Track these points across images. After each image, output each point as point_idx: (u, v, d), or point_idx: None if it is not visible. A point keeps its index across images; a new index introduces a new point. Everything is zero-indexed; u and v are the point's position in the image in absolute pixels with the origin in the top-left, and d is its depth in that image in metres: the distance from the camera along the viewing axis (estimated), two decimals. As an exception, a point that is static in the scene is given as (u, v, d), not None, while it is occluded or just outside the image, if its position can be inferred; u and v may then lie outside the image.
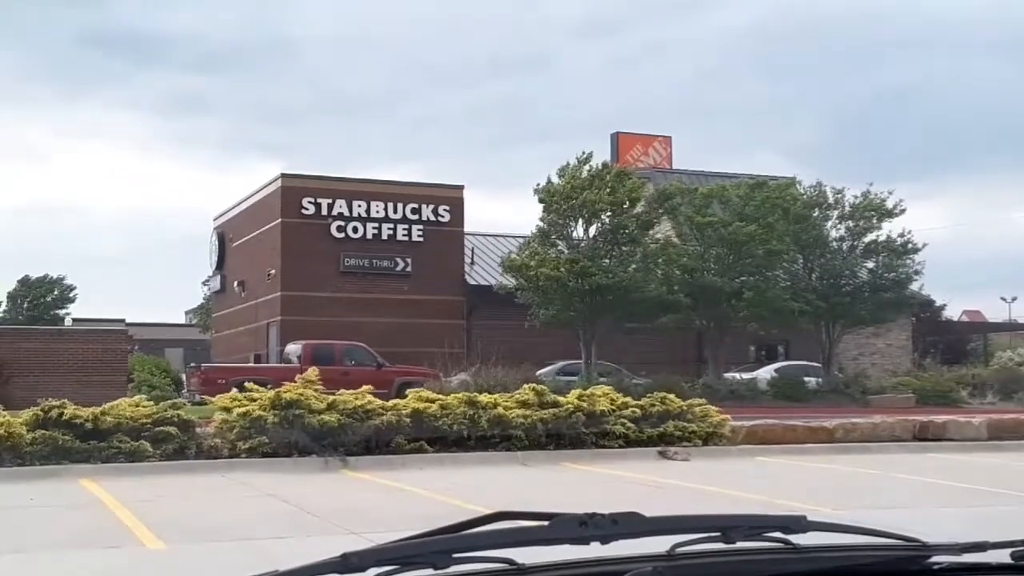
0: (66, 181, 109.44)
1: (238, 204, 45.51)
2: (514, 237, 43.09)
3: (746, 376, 35.42)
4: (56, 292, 73.53)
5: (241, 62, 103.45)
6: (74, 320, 67.05)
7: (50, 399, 14.42)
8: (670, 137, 54.06)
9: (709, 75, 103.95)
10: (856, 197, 36.51)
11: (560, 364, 34.49)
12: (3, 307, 68.35)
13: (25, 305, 71.89)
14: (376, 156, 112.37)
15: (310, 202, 39.88)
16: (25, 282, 72.55)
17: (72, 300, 73.93)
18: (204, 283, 56.40)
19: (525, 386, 17.47)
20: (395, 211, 40.84)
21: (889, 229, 36.43)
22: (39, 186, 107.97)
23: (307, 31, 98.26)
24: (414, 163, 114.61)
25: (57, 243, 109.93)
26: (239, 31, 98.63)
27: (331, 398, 15.43)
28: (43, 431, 13.73)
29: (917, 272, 36.90)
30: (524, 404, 16.46)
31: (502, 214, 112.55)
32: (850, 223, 36.58)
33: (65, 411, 14.00)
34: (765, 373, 36.34)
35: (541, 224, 35.19)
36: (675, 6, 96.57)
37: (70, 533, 9.42)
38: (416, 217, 41.14)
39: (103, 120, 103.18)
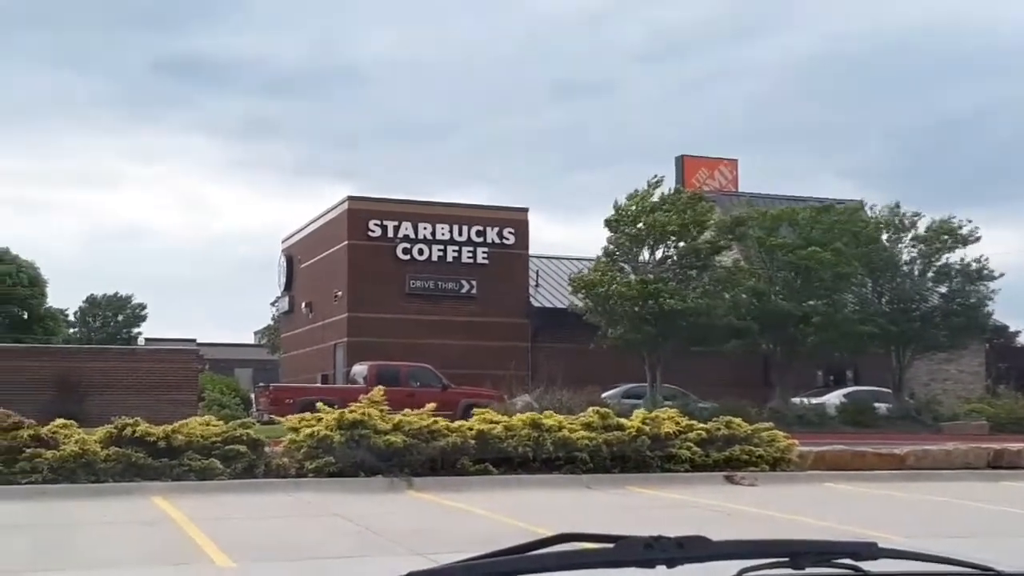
0: (138, 204, 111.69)
1: (306, 226, 46.07)
2: (578, 260, 43.04)
3: (814, 401, 34.92)
4: (127, 311, 74.92)
5: (311, 87, 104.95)
6: (146, 340, 68.31)
7: (123, 417, 14.69)
8: (736, 160, 53.70)
9: (773, 98, 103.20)
10: (931, 220, 35.97)
11: (624, 387, 34.31)
12: (75, 329, 69.76)
13: (97, 324, 73.35)
14: (441, 180, 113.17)
15: (376, 224, 40.23)
16: (92, 301, 73.99)
17: (143, 319, 75.35)
18: (273, 304, 57.13)
19: (589, 408, 17.44)
20: (460, 233, 41.04)
21: (963, 254, 35.82)
22: (111, 209, 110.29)
23: (375, 56, 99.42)
24: (479, 187, 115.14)
25: (129, 265, 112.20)
26: (309, 56, 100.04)
27: (396, 418, 15.52)
28: (117, 448, 13.99)
29: (990, 298, 36.18)
30: (588, 426, 16.41)
31: (565, 238, 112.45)
32: (922, 247, 35.98)
33: (138, 429, 14.25)
34: (834, 398, 35.80)
35: (608, 246, 35.15)
36: (739, 30, 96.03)
37: (142, 550, 9.59)
38: (481, 239, 41.29)
39: (174, 144, 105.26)
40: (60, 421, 14.78)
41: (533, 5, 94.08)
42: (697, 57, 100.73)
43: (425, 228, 40.64)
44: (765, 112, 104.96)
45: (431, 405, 16.55)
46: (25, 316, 50.90)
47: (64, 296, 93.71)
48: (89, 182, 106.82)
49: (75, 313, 72.14)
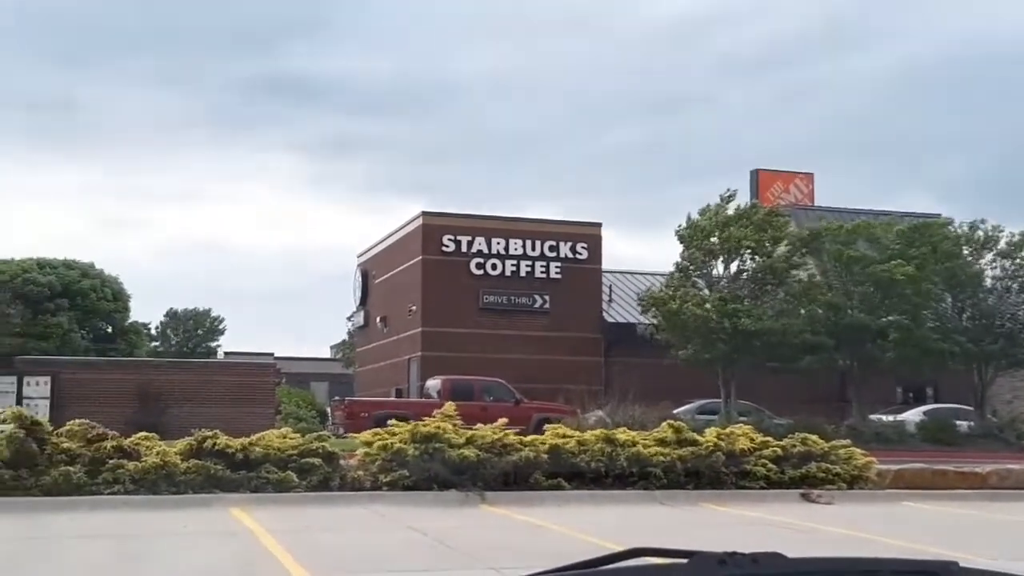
0: (222, 220, 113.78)
1: (381, 242, 46.51)
2: (651, 275, 42.86)
3: (893, 418, 34.26)
4: (206, 325, 76.29)
5: (395, 104, 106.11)
6: (226, 353, 69.47)
7: (203, 429, 14.97)
8: (812, 174, 53.09)
9: (853, 113, 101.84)
10: (1010, 235, 35.11)
11: (698, 403, 34.02)
12: (156, 343, 71.20)
13: (178, 337, 74.78)
14: (522, 195, 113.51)
15: (450, 239, 40.48)
16: (173, 315, 75.47)
17: (221, 333, 76.62)
18: (348, 319, 57.76)
19: (663, 424, 17.33)
20: (533, 248, 41.10)
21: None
22: (196, 225, 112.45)
23: (461, 74, 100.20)
24: (557, 201, 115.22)
25: (210, 280, 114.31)
26: (395, 75, 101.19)
27: (469, 432, 15.58)
28: (196, 460, 14.25)
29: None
30: (662, 442, 16.33)
31: (642, 253, 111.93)
32: (1006, 263, 35.11)
33: (217, 441, 14.51)
34: (913, 415, 35.07)
35: (681, 261, 34.94)
36: (822, 45, 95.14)
37: (221, 562, 9.75)
38: (554, 254, 41.30)
39: (260, 161, 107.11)
40: (142, 433, 15.11)
41: (618, 21, 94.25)
42: (780, 71, 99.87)
43: (498, 243, 40.77)
44: (844, 126, 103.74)
45: (504, 419, 16.59)
46: (109, 330, 52.08)
47: (147, 310, 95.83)
48: (176, 198, 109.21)
49: (157, 327, 73.63)
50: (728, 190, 34.82)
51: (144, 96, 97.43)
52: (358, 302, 48.99)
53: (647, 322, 35.67)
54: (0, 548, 10.33)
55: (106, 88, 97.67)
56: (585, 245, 41.74)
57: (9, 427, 14.31)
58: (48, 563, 9.54)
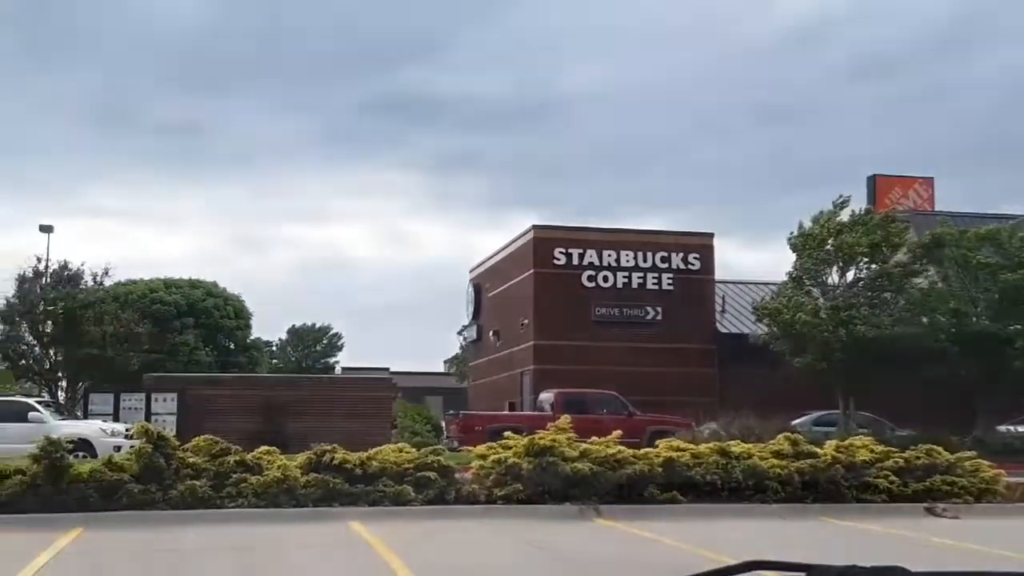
0: (341, 239, 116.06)
1: (493, 256, 46.84)
2: (765, 284, 42.22)
3: (1022, 429, 33.02)
4: (325, 341, 77.84)
5: (511, 120, 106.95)
6: (343, 369, 70.73)
7: (322, 444, 15.28)
8: (931, 178, 51.68)
9: (976, 116, 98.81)
10: None
11: (816, 414, 33.34)
12: (276, 360, 72.89)
13: (295, 355, 76.45)
14: (635, 208, 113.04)
15: (561, 252, 40.54)
16: (293, 332, 77.21)
17: (339, 349, 78.10)
18: (460, 333, 58.25)
19: (780, 436, 17.06)
20: (645, 260, 40.90)
21: None
22: (316, 244, 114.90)
23: (576, 89, 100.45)
24: (670, 213, 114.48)
25: (329, 297, 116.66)
26: (510, 92, 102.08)
27: (583, 446, 15.57)
28: (316, 474, 14.56)
29: None
30: (779, 454, 16.08)
31: (757, 263, 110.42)
32: None
33: (336, 456, 14.80)
34: (1044, 426, 33.74)
35: (793, 271, 34.34)
36: (942, 49, 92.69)
37: (341, 574, 9.94)
38: (666, 265, 41.03)
39: (379, 180, 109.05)
40: (264, 448, 15.48)
41: (734, 30, 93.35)
42: (898, 76, 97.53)
43: (610, 255, 40.68)
44: (965, 130, 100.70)
45: (617, 432, 16.54)
46: (231, 347, 53.52)
47: (268, 327, 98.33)
48: (298, 218, 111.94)
49: (277, 343, 75.39)
50: (840, 196, 34.15)
51: (268, 119, 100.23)
52: (471, 316, 49.39)
53: (761, 331, 35.12)
54: (130, 561, 10.70)
55: (232, 112, 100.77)
56: (697, 256, 41.36)
57: (138, 442, 14.84)
58: (180, 574, 9.84)
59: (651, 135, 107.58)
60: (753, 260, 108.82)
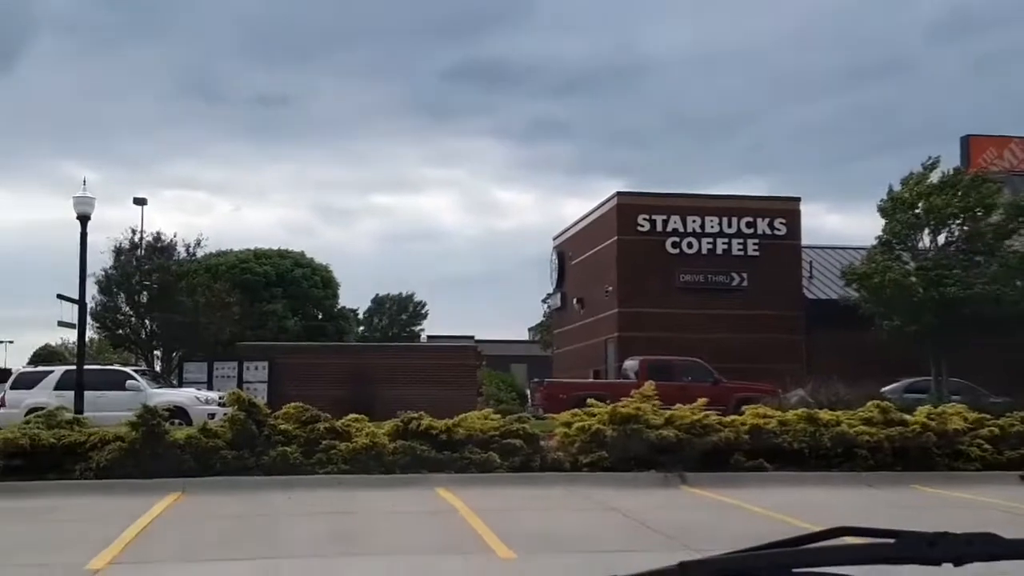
0: (427, 207, 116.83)
1: (577, 223, 46.74)
2: (854, 249, 41.46)
3: (1124, 395, 32.01)
4: (410, 310, 78.59)
5: (597, 86, 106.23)
6: (428, 337, 71.40)
7: (408, 411, 15.51)
8: (1029, 137, 50.02)
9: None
10: None
11: (907, 381, 32.72)
12: (363, 328, 73.82)
13: (383, 322, 77.35)
14: (722, 172, 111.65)
15: (645, 219, 40.29)
16: (379, 300, 78.08)
17: (424, 317, 78.77)
18: (544, 301, 58.35)
19: (869, 403, 16.84)
20: (730, 225, 40.45)
21: None
22: (403, 213, 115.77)
23: (662, 52, 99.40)
24: (756, 178, 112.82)
25: (415, 266, 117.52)
26: (596, 56, 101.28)
27: (668, 413, 15.56)
28: (403, 441, 14.79)
29: None
30: (868, 422, 15.88)
31: (847, 227, 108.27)
32: None
33: (422, 423, 15.01)
34: None
35: (883, 235, 33.67)
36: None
37: (429, 539, 10.12)
38: (751, 231, 40.53)
39: (466, 148, 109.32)
40: (352, 415, 15.77)
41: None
42: (994, 32, 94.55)
43: (694, 221, 40.32)
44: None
45: (703, 400, 16.48)
46: (319, 316, 54.35)
47: (355, 296, 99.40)
48: (384, 187, 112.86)
49: (364, 312, 76.35)
50: (930, 158, 33.32)
51: (354, 88, 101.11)
52: (555, 284, 49.41)
53: (850, 295, 34.53)
54: (228, 524, 11.02)
55: (318, 82, 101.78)
56: (784, 220, 40.78)
57: (231, 410, 15.23)
58: (273, 539, 10.12)
59: (738, 98, 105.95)
60: (842, 224, 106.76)
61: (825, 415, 16.04)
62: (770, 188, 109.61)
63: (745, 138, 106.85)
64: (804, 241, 41.86)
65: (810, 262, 42.39)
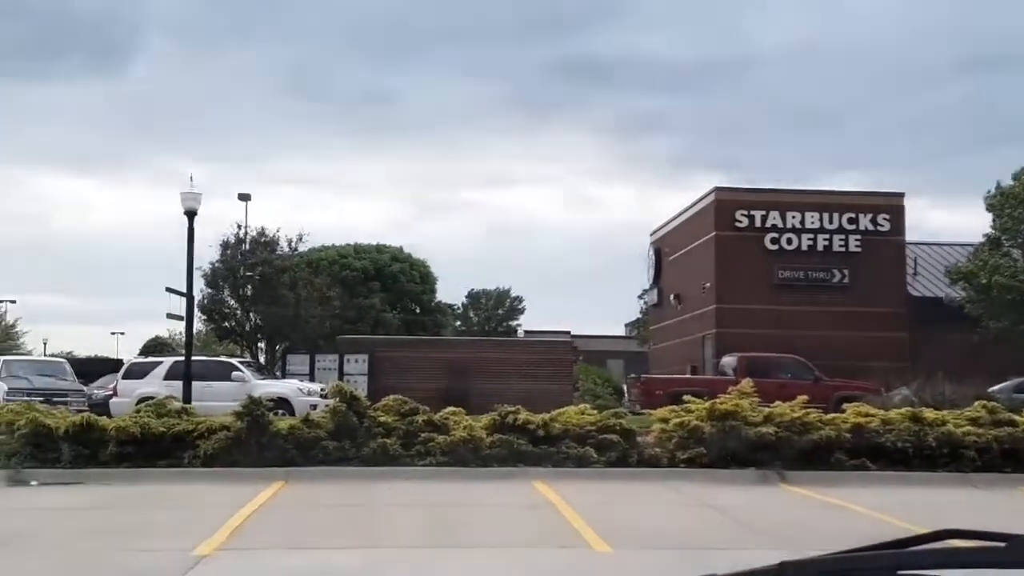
0: (524, 203, 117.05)
1: (674, 219, 46.43)
2: (961, 245, 40.40)
3: None
4: (507, 305, 78.98)
5: (697, 80, 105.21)
6: (525, 332, 71.64)
7: (505, 405, 15.61)
8: None
9: None
10: None
11: (1016, 381, 31.68)
12: (459, 322, 74.41)
13: (479, 316, 77.87)
14: (821, 167, 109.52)
15: (743, 215, 39.84)
16: (474, 295, 78.61)
17: (521, 312, 79.09)
18: (640, 297, 58.09)
19: (976, 403, 16.43)
20: (831, 221, 39.74)
21: None
22: (500, 209, 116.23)
23: (762, 47, 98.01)
24: (859, 172, 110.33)
25: (512, 260, 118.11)
26: (695, 52, 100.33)
27: (767, 410, 15.40)
28: (500, 435, 14.90)
29: None
30: (975, 422, 15.50)
31: (955, 223, 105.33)
32: None
33: (519, 417, 15.10)
34: None
35: (991, 231, 32.73)
36: None
37: (526, 532, 10.19)
38: (853, 227, 39.76)
39: (563, 143, 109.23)
40: (450, 408, 15.94)
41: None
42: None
43: (794, 217, 39.73)
44: None
45: (802, 397, 16.25)
46: (417, 310, 54.96)
47: (452, 291, 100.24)
48: (482, 183, 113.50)
49: (460, 307, 76.95)
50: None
51: (451, 85, 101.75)
52: (651, 280, 49.18)
53: (957, 295, 33.65)
54: (329, 513, 11.26)
55: (416, 78, 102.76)
56: (887, 216, 39.91)
57: (332, 401, 15.53)
58: (373, 529, 10.31)
59: (840, 92, 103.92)
60: (946, 220, 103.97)
61: (930, 414, 15.70)
62: (872, 183, 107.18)
63: (847, 133, 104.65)
64: (908, 237, 40.93)
65: (915, 258, 41.44)
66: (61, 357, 39.70)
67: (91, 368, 33.73)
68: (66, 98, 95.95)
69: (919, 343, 36.60)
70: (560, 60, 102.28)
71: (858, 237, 39.68)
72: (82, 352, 58.00)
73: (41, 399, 20.42)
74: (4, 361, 29.84)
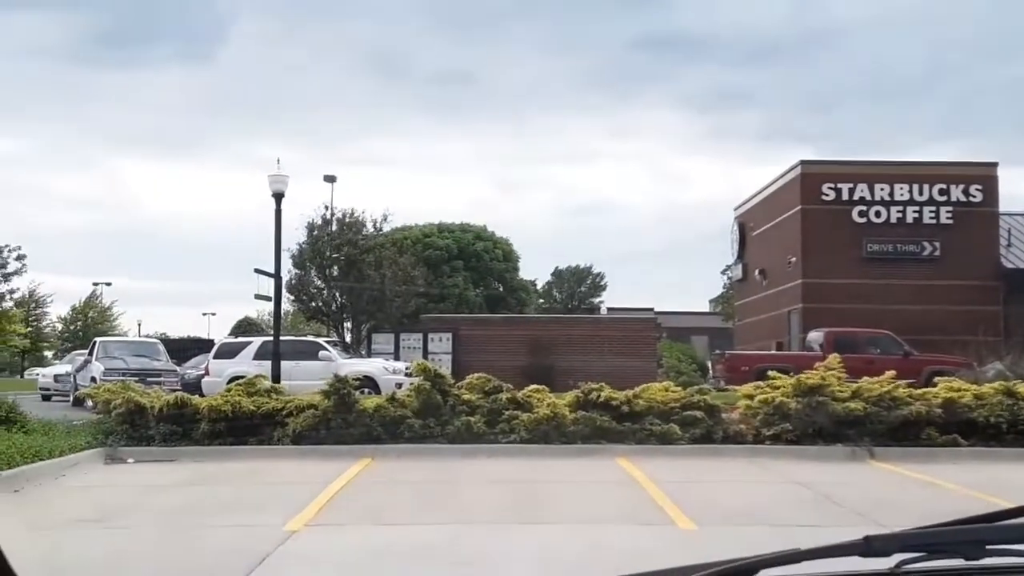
0: (608, 179, 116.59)
1: (758, 193, 45.83)
2: (1058, 216, 39.20)
3: None
4: (589, 282, 78.83)
5: (782, 54, 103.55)
6: (608, 309, 71.48)
7: (589, 382, 15.62)
8: None
9: None
10: None
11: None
12: (542, 300, 74.51)
13: (562, 294, 77.86)
14: (916, 138, 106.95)
15: (830, 188, 39.14)
16: (558, 273, 78.60)
17: (604, 289, 78.87)
18: (724, 272, 57.52)
19: (1073, 378, 15.99)
20: (920, 193, 38.84)
21: None
22: (583, 185, 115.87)
23: (852, 15, 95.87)
24: (952, 143, 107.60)
25: (594, 238, 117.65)
26: (782, 23, 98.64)
27: (855, 385, 15.16)
28: (583, 412, 14.92)
29: None
30: (1073, 397, 15.07)
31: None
32: None
33: (602, 394, 15.10)
34: None
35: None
36: None
37: (611, 509, 10.21)
38: (944, 198, 38.81)
39: (648, 119, 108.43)
40: (533, 386, 16.00)
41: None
42: None
43: (882, 189, 38.91)
44: None
45: (891, 373, 15.97)
46: (500, 288, 55.15)
47: (535, 268, 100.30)
48: (565, 160, 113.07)
49: (544, 284, 77.04)
50: None
51: (534, 61, 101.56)
52: (736, 255, 48.66)
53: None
54: (415, 490, 11.40)
55: (498, 55, 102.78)
56: (979, 187, 38.87)
57: (417, 380, 15.69)
58: (459, 505, 10.42)
59: (928, 61, 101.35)
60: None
61: (1024, 389, 15.33)
62: (965, 153, 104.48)
63: (940, 101, 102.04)
64: (1003, 208, 39.82)
65: (1008, 229, 40.32)
66: (155, 338, 40.73)
67: (184, 348, 34.56)
68: (150, 84, 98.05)
69: (1014, 316, 35.67)
70: (642, 34, 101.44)
71: (949, 208, 38.74)
72: (175, 333, 59.47)
73: (136, 379, 20.97)
74: (101, 342, 30.74)
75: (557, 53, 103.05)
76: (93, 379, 25.29)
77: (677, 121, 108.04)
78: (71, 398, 28.19)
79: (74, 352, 37.68)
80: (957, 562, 1.55)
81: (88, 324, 68.82)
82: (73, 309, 73.01)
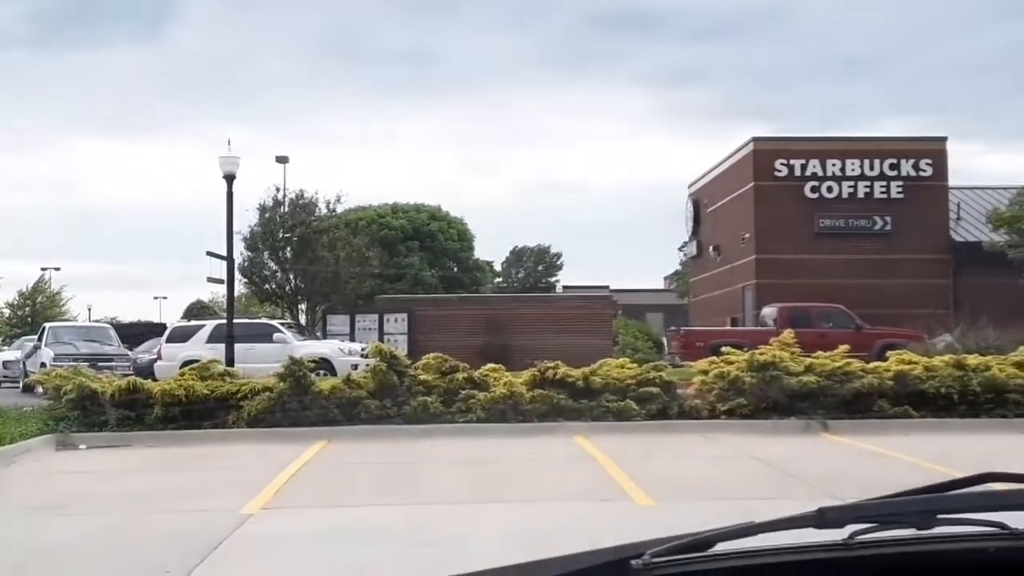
0: (563, 158, 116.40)
1: (712, 170, 46.05)
2: (1007, 189, 39.73)
3: None
4: (546, 261, 78.93)
5: (734, 31, 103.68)
6: (564, 287, 71.62)
7: (545, 360, 15.63)
8: None
9: None
10: None
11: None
12: (499, 279, 74.53)
13: (520, 274, 77.91)
14: (862, 115, 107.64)
15: (783, 164, 39.41)
16: (515, 252, 78.65)
17: (560, 268, 79.01)
18: (680, 249, 57.84)
19: (1021, 347, 16.25)
20: (871, 168, 39.22)
21: None
22: (541, 163, 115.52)
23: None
24: (902, 119, 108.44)
25: (551, 216, 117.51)
26: (734, 1, 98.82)
27: (808, 360, 15.32)
28: (540, 390, 14.95)
29: None
30: (1020, 366, 15.33)
31: (1001, 166, 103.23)
32: None
33: (559, 372, 15.13)
34: None
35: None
36: None
37: (569, 486, 10.24)
38: (895, 173, 39.21)
39: (603, 98, 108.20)
40: (490, 365, 16.00)
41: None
42: None
43: (834, 165, 39.24)
44: None
45: (844, 346, 16.15)
46: (455, 269, 55.08)
47: (494, 248, 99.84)
48: (520, 139, 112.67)
49: (502, 264, 77.03)
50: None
51: (488, 40, 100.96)
52: (690, 232, 48.91)
53: (999, 240, 33.15)
54: (372, 471, 11.37)
55: (453, 35, 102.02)
56: (929, 161, 39.31)
57: (373, 361, 15.63)
58: (416, 485, 10.41)
59: (879, 38, 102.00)
60: (1000, 165, 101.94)
61: (973, 360, 15.55)
62: (920, 129, 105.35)
63: (888, 79, 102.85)
64: (952, 182, 40.32)
65: (958, 203, 40.85)
66: (105, 323, 40.25)
67: (135, 333, 34.19)
68: (101, 64, 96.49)
69: (963, 289, 36.21)
70: (598, 12, 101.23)
71: (900, 183, 39.16)
72: (126, 317, 58.74)
73: (87, 364, 20.70)
74: (50, 328, 30.31)
75: (511, 32, 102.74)
76: (43, 365, 24.91)
77: (630, 99, 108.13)
78: (20, 384, 27.79)
79: (23, 338, 37.11)
80: (909, 532, 1.55)
81: (37, 310, 67.74)
82: (20, 294, 71.84)
